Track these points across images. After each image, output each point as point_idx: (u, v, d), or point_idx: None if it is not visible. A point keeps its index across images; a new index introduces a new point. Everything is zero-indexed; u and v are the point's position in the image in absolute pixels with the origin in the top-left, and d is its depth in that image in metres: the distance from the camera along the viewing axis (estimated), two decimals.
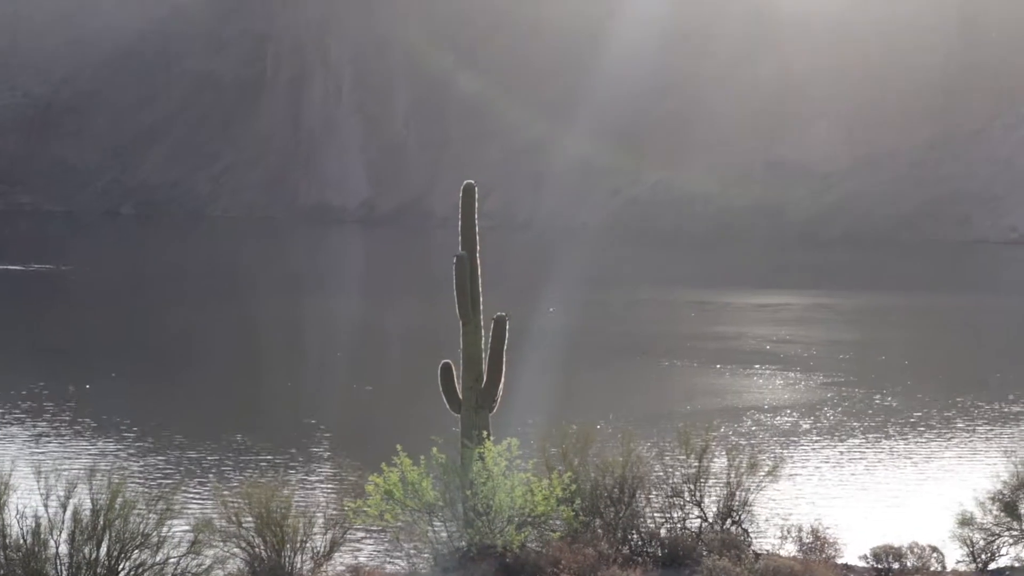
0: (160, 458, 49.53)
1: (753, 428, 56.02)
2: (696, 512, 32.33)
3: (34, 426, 55.52)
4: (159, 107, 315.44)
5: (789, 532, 30.79)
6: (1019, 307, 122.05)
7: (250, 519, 28.08)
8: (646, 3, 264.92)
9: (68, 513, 25.70)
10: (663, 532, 32.84)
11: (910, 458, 51.46)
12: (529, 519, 30.32)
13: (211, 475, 45.32)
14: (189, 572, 26.24)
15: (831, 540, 30.38)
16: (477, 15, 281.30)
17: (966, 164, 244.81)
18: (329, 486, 42.62)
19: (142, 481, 41.44)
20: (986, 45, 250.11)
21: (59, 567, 25.73)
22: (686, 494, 33.19)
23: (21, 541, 25.55)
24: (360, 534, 31.44)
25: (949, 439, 55.33)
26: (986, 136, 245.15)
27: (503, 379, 31.86)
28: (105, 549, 25.89)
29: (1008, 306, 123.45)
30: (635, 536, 32.55)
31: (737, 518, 31.58)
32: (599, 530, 31.97)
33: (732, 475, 31.52)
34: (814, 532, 30.67)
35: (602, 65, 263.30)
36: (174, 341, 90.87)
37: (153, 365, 77.69)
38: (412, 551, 29.60)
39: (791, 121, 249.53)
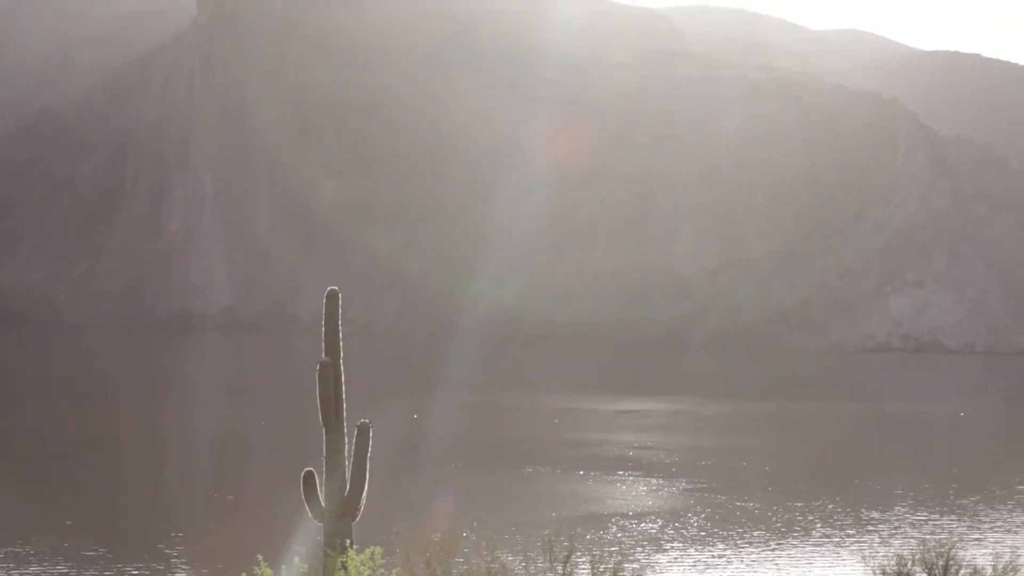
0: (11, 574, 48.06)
1: (618, 535, 55.98)
2: None
3: None
4: (17, 211, 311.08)
5: None
6: (876, 413, 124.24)
7: None
8: (500, 105, 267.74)
9: None
10: None
11: (774, 563, 51.78)
12: None
13: None
14: None
15: None
16: (342, 124, 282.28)
17: (825, 273, 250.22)
18: None
19: None
20: (845, 150, 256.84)
21: None
22: None
23: None
24: None
25: (811, 544, 55.80)
26: (844, 244, 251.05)
27: (366, 486, 31.52)
28: None
29: (865, 412, 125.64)
30: None
31: None
32: None
33: None
34: None
35: (462, 171, 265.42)
36: (26, 450, 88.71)
37: (2, 475, 75.72)
38: None
39: (657, 223, 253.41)
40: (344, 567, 31.56)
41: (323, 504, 33.27)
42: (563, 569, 32.13)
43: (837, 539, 57.35)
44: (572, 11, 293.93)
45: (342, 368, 33.80)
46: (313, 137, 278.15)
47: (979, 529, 60.65)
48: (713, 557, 52.95)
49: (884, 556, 39.36)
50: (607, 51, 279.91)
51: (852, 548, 54.51)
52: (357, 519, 33.95)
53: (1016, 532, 60.06)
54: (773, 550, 54.58)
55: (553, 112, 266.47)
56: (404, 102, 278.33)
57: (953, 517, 63.55)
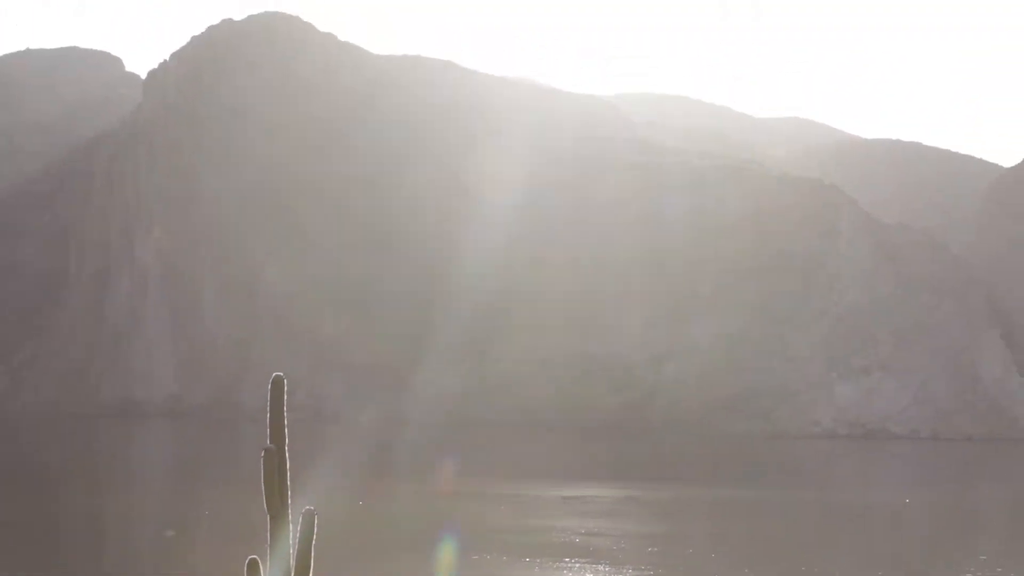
0: None
1: None
2: None
3: None
4: None
5: None
6: (822, 500, 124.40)
7: None
8: (445, 191, 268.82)
9: None
10: None
11: None
12: None
13: None
14: None
15: None
16: (287, 210, 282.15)
17: (771, 359, 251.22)
18: None
19: None
20: (790, 237, 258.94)
21: None
22: None
23: None
24: None
25: None
26: (790, 331, 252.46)
27: (311, 575, 31.24)
28: None
29: (811, 499, 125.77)
30: None
31: None
32: None
33: None
34: None
35: (409, 257, 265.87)
36: None
37: None
38: None
39: (604, 310, 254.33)
40: None
41: None
42: None
43: None
44: (517, 98, 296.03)
45: (287, 454, 33.53)
46: (258, 223, 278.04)
47: None
48: None
49: None
50: (552, 137, 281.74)
51: None
52: None
53: None
54: None
55: (498, 198, 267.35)
56: (349, 188, 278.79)
57: None
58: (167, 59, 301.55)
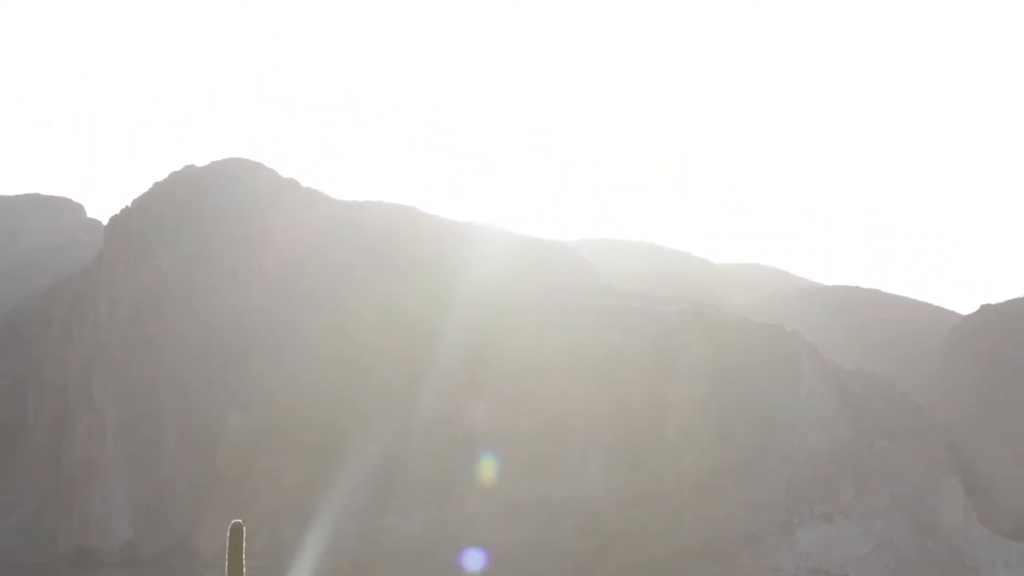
0: None
1: None
2: None
3: None
4: None
5: None
6: None
7: None
8: (408, 341, 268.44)
9: None
10: None
11: None
12: None
13: None
14: None
15: None
16: (249, 356, 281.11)
17: (733, 505, 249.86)
18: None
19: None
20: (751, 382, 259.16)
21: None
22: None
23: None
24: None
25: None
26: (752, 477, 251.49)
27: None
28: None
29: None
30: None
31: None
32: None
33: None
34: None
35: (370, 403, 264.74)
36: None
37: None
38: None
39: (567, 455, 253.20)
40: None
41: None
42: None
43: None
44: (479, 243, 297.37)
45: None
46: (220, 368, 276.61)
47: None
48: None
49: None
50: (516, 283, 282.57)
51: None
52: None
53: None
54: None
55: (462, 344, 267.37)
56: (311, 334, 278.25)
57: None
58: (129, 205, 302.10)
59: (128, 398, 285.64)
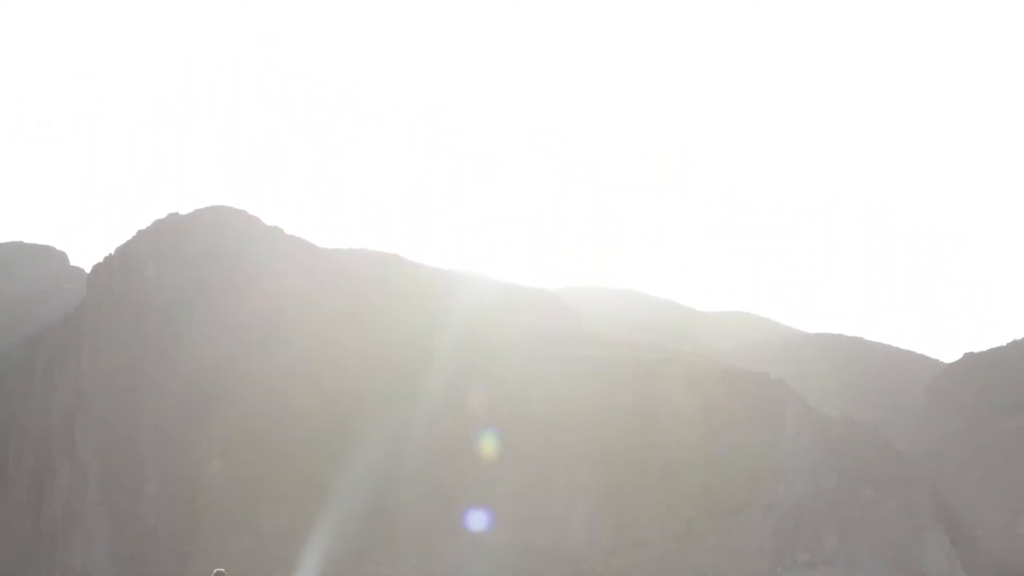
0: None
1: None
2: None
3: None
4: None
5: None
6: None
7: None
8: (392, 391, 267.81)
9: None
10: None
11: None
12: None
13: None
14: None
15: None
16: (232, 402, 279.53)
17: (718, 553, 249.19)
18: None
19: None
20: (736, 430, 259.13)
21: None
22: None
23: None
24: None
25: None
26: (737, 525, 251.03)
27: None
28: None
29: None
30: None
31: None
32: None
33: None
34: None
35: (352, 452, 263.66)
36: None
37: None
38: None
39: (552, 503, 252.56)
40: None
41: None
42: None
43: None
44: (464, 291, 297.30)
45: None
46: (202, 416, 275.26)
47: None
48: None
49: None
50: (500, 332, 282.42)
51: None
52: None
53: None
54: None
55: (447, 392, 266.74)
56: (295, 382, 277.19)
57: None
58: (112, 253, 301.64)
59: (110, 447, 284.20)
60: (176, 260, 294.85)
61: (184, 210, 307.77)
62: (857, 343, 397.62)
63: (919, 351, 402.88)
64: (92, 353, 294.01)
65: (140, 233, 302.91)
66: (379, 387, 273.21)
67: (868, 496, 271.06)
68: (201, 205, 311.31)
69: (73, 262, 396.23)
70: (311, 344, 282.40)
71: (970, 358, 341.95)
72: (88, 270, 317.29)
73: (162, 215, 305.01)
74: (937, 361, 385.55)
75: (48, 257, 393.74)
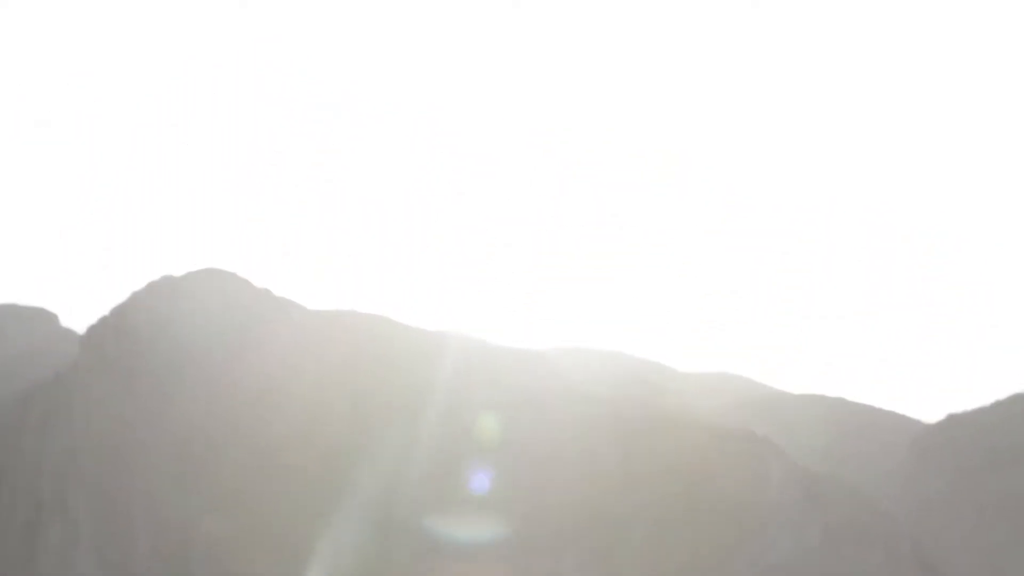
0: None
1: None
2: None
3: None
4: None
5: None
6: None
7: None
8: (381, 448, 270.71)
9: None
10: None
11: None
12: None
13: None
14: None
15: None
16: (224, 460, 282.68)
17: None
18: None
19: None
20: (721, 486, 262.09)
21: None
22: None
23: None
24: None
25: None
26: (727, 571, 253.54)
27: None
28: None
29: None
30: None
31: None
32: None
33: None
34: None
35: (344, 510, 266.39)
36: None
37: None
38: None
39: (538, 558, 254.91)
40: None
41: None
42: None
43: None
44: (450, 351, 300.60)
45: None
46: (194, 474, 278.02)
47: None
48: None
49: None
50: (487, 392, 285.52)
51: None
52: None
53: None
54: None
55: (433, 452, 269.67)
56: (285, 442, 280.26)
57: None
58: (106, 314, 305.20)
59: (101, 504, 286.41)
60: (168, 322, 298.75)
61: (177, 272, 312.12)
62: (840, 403, 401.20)
63: (900, 411, 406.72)
64: (85, 412, 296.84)
65: (134, 295, 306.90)
66: (368, 446, 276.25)
67: (851, 553, 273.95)
68: (193, 268, 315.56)
69: (64, 323, 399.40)
70: (301, 404, 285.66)
71: (953, 419, 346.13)
72: (79, 331, 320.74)
73: (155, 277, 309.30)
74: (917, 421, 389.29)
75: (39, 319, 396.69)
